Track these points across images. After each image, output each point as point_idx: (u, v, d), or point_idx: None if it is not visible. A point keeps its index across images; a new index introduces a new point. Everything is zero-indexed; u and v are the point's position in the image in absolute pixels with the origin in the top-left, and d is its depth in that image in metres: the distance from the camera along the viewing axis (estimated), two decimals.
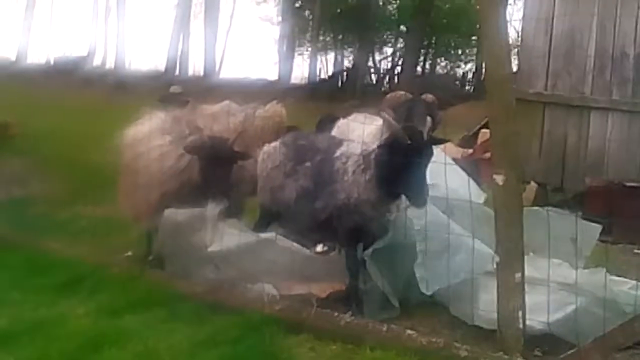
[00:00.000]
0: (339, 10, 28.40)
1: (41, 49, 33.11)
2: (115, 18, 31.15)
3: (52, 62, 30.44)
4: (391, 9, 30.67)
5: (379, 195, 4.40)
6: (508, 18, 19.38)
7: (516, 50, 10.67)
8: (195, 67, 30.15)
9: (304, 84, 26.58)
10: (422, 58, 28.79)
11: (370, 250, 4.50)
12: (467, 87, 26.83)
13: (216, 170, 4.95)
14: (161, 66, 28.10)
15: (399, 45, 30.04)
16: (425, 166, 4.19)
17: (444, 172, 4.31)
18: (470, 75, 28.25)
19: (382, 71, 29.03)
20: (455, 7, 28.36)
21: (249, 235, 4.86)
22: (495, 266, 3.95)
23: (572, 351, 3.80)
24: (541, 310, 3.93)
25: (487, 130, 7.19)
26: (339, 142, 4.79)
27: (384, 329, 4.11)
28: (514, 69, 8.43)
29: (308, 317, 4.30)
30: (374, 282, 4.50)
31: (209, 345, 3.99)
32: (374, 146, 4.46)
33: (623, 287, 4.17)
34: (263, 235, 4.84)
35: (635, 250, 6.46)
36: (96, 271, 5.16)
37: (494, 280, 3.98)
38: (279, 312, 4.35)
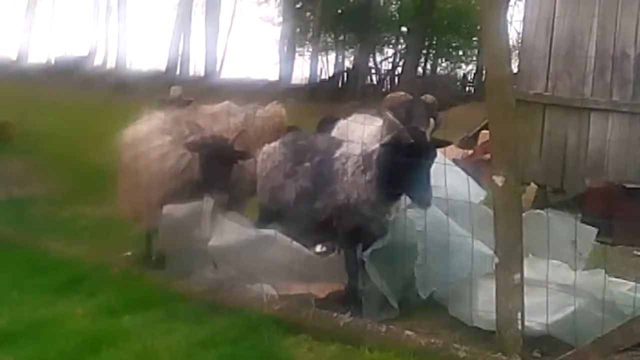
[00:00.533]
0: (339, 11, 28.43)
1: (42, 49, 33.20)
2: (116, 18, 31.29)
3: (53, 62, 30.49)
4: (392, 9, 30.69)
5: (379, 195, 4.40)
6: (509, 19, 19.36)
7: (517, 51, 10.67)
8: (196, 67, 30.20)
9: (305, 85, 26.62)
10: (422, 59, 28.79)
11: (369, 251, 4.50)
12: (467, 88, 26.82)
13: (216, 168, 4.95)
14: (162, 66, 28.14)
15: (399, 46, 30.07)
16: (429, 167, 4.20)
17: (444, 173, 4.32)
18: (470, 77, 28.25)
19: (382, 72, 29.06)
20: (456, 8, 28.39)
21: (249, 230, 4.86)
22: (494, 267, 3.95)
23: (570, 352, 3.80)
24: (540, 311, 3.93)
25: (488, 132, 7.19)
26: (339, 143, 4.79)
27: (383, 329, 4.11)
28: (514, 70, 8.43)
29: (307, 317, 4.30)
30: (373, 282, 4.50)
31: (208, 345, 4.00)
32: (375, 146, 4.47)
33: (622, 288, 4.17)
34: (263, 231, 4.85)
35: (635, 252, 6.45)
36: (96, 271, 5.17)
37: (493, 281, 3.98)
38: (278, 312, 4.35)
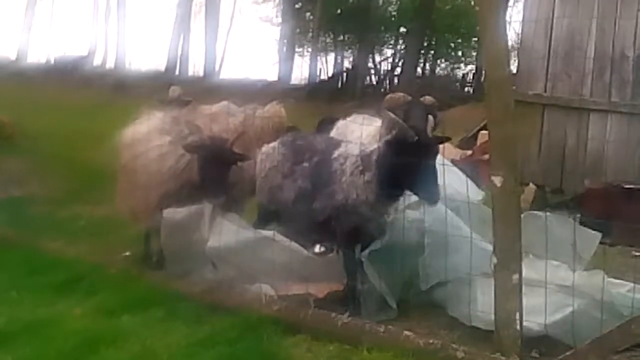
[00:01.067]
0: (339, 11, 28.42)
1: (41, 49, 33.14)
2: (115, 18, 31.22)
3: (52, 62, 30.43)
4: (391, 10, 30.68)
5: (378, 196, 4.40)
6: (508, 20, 19.37)
7: (516, 51, 10.67)
8: (196, 67, 30.17)
9: (304, 85, 26.59)
10: (422, 59, 28.79)
11: (367, 251, 4.50)
12: (466, 89, 26.82)
13: (215, 170, 4.95)
14: (161, 66, 28.11)
15: (399, 47, 30.06)
16: (435, 163, 4.21)
17: (443, 173, 4.32)
18: (470, 77, 28.24)
19: (382, 72, 29.03)
20: (455, 8, 28.39)
21: (247, 231, 4.86)
22: (492, 268, 3.95)
23: (569, 353, 3.80)
24: (539, 312, 3.93)
25: (487, 132, 7.20)
26: (337, 143, 4.79)
27: (382, 330, 4.11)
28: (513, 70, 8.43)
29: (305, 317, 4.31)
30: (372, 283, 4.50)
31: (207, 345, 4.00)
32: (375, 146, 4.47)
33: (621, 289, 4.17)
34: (262, 232, 4.85)
35: (634, 253, 6.45)
36: (94, 271, 5.17)
37: (492, 281, 3.98)
38: (277, 313, 4.36)
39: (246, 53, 38.47)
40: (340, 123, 5.83)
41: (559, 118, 8.40)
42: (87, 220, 7.06)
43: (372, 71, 28.72)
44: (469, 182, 5.07)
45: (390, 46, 30.61)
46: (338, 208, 4.52)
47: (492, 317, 3.95)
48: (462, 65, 30.46)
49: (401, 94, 5.05)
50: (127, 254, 5.72)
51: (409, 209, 4.67)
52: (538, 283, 4.05)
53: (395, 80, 26.67)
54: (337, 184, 4.53)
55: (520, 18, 9.96)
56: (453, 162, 5.85)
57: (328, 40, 30.63)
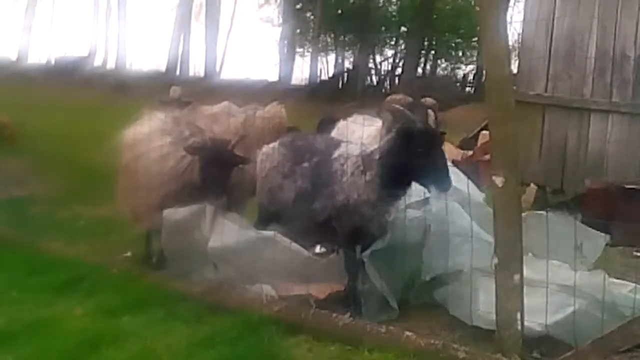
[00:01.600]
0: (339, 12, 28.42)
1: (42, 49, 33.16)
2: (116, 18, 31.25)
3: (52, 62, 30.42)
4: (392, 10, 30.68)
5: (380, 195, 4.41)
6: (508, 20, 19.37)
7: (516, 51, 10.67)
8: (196, 67, 30.17)
9: (305, 85, 26.60)
10: (422, 59, 28.79)
11: (368, 251, 4.50)
12: (467, 89, 26.82)
13: (216, 172, 4.95)
14: (162, 67, 28.12)
15: (399, 47, 30.06)
16: (443, 151, 4.24)
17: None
18: (470, 77, 28.24)
19: (382, 72, 29.04)
20: (456, 8, 28.39)
21: (248, 231, 4.86)
22: (494, 267, 3.95)
23: (570, 353, 3.79)
24: (540, 312, 3.93)
25: (487, 132, 7.19)
26: (337, 144, 4.79)
27: (383, 330, 4.11)
28: (514, 70, 8.43)
29: (306, 318, 4.30)
30: (373, 283, 4.50)
31: (208, 346, 4.00)
32: (375, 146, 4.47)
33: (622, 289, 4.17)
34: (263, 233, 4.85)
35: (635, 253, 6.45)
36: (95, 271, 5.17)
37: (493, 280, 3.98)
38: (278, 313, 4.35)
39: (247, 53, 38.52)
40: (341, 123, 5.83)
41: (560, 118, 8.40)
42: (88, 220, 7.06)
43: (373, 71, 28.74)
44: (470, 183, 5.07)
45: (391, 46, 30.62)
46: (339, 208, 4.52)
47: (494, 317, 3.95)
48: (462, 65, 30.49)
49: (402, 95, 5.06)
50: (128, 254, 5.73)
51: (410, 208, 4.67)
52: (539, 283, 4.04)
53: (396, 81, 26.67)
54: (337, 184, 4.53)
55: (521, 18, 9.96)
56: (454, 162, 5.84)
57: (328, 40, 30.64)
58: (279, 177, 4.90)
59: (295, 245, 4.72)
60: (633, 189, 7.10)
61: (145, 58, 35.91)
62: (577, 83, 8.31)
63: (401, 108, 4.33)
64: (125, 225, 6.00)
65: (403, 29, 29.44)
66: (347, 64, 29.75)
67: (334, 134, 5.63)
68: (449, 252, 4.46)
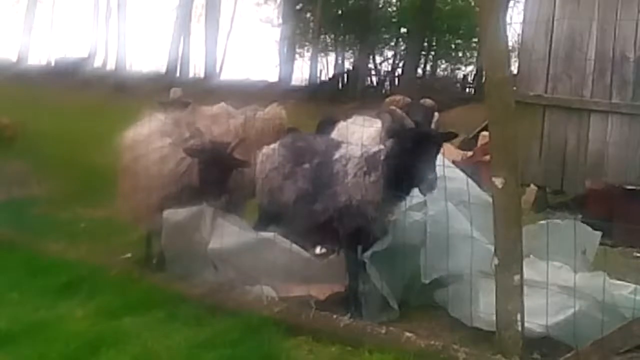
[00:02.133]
0: (339, 12, 28.44)
1: (42, 50, 33.24)
2: (116, 20, 31.27)
3: (52, 64, 30.46)
4: (392, 11, 30.70)
5: (384, 196, 4.41)
6: (508, 20, 19.38)
7: (516, 52, 10.68)
8: (196, 69, 30.20)
9: (305, 86, 26.61)
10: (422, 60, 28.80)
11: (369, 252, 4.50)
12: (467, 90, 26.83)
13: (215, 174, 4.95)
14: (162, 68, 28.14)
15: (399, 48, 30.08)
16: (436, 151, 4.24)
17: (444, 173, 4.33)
18: (470, 78, 28.25)
19: (382, 73, 29.06)
20: (455, 9, 28.41)
21: (248, 233, 4.86)
22: (494, 268, 3.95)
23: (570, 354, 3.80)
24: (541, 313, 3.93)
25: (488, 133, 7.20)
26: (338, 144, 4.79)
27: (383, 331, 4.11)
28: (514, 71, 8.44)
29: (307, 319, 4.30)
30: (373, 284, 4.50)
31: (208, 347, 3.99)
32: (379, 147, 4.48)
33: (623, 291, 4.17)
34: (263, 234, 4.85)
35: (635, 254, 6.45)
36: (95, 273, 5.16)
37: (493, 281, 3.98)
38: (278, 314, 4.35)
39: (247, 54, 38.55)
40: (341, 124, 5.83)
41: (560, 119, 8.41)
42: (88, 222, 7.05)
43: (373, 72, 28.75)
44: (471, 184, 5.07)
45: (391, 47, 30.65)
46: (341, 209, 4.52)
47: (494, 318, 3.95)
48: (462, 66, 30.51)
49: (401, 97, 5.07)
50: (128, 255, 5.72)
51: (411, 210, 4.67)
52: (540, 284, 4.05)
53: (396, 81, 26.68)
54: (339, 186, 4.53)
55: (521, 19, 9.97)
56: (454, 163, 5.84)
57: (328, 41, 30.66)
58: (280, 178, 4.90)
59: (295, 247, 4.72)
60: (633, 189, 7.11)
61: (145, 59, 36.07)
62: (577, 84, 8.32)
63: (399, 111, 4.32)
64: (125, 227, 6.01)
65: (403, 29, 29.47)
66: (347, 65, 29.79)
67: (333, 135, 5.63)
68: (449, 254, 4.45)
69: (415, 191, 4.40)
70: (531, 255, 4.45)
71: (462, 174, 5.02)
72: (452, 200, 4.59)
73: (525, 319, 3.87)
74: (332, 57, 31.29)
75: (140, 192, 5.29)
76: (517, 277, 3.86)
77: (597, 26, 8.17)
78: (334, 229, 4.62)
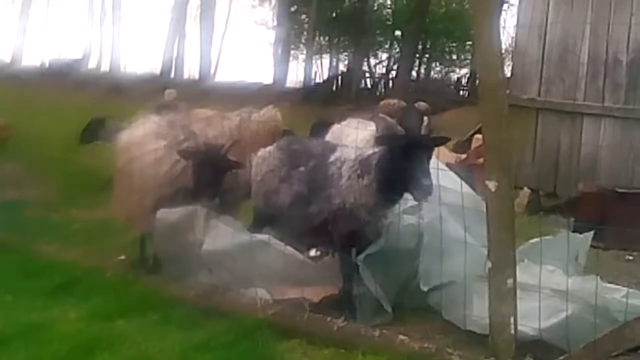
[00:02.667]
0: (334, 15, 28.46)
1: (36, 52, 33.08)
2: (110, 21, 31.17)
3: (47, 65, 30.36)
4: (386, 13, 30.74)
5: (378, 199, 4.42)
6: (502, 24, 19.48)
7: (510, 55, 10.71)
8: (191, 70, 30.14)
9: (299, 88, 26.57)
10: (417, 63, 28.84)
11: (363, 255, 4.51)
12: (461, 92, 26.88)
13: (209, 177, 4.95)
14: (156, 69, 28.07)
15: (393, 50, 30.11)
16: (428, 157, 4.23)
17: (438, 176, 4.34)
18: (464, 81, 28.31)
19: (377, 76, 29.09)
20: (450, 12, 28.47)
21: (243, 235, 4.87)
22: (487, 272, 3.96)
23: (562, 357, 3.81)
24: (534, 316, 3.95)
25: (481, 136, 7.21)
26: (333, 147, 4.80)
27: (377, 334, 4.12)
28: (508, 74, 8.47)
29: (301, 321, 4.31)
30: (367, 287, 4.51)
31: (202, 350, 4.00)
32: (373, 150, 4.49)
33: (615, 294, 4.18)
34: (257, 236, 4.85)
35: (627, 257, 6.48)
36: (89, 275, 5.16)
37: (486, 285, 3.99)
38: (272, 317, 4.36)
39: (241, 56, 38.49)
40: (335, 127, 5.84)
41: (553, 122, 8.45)
42: (82, 224, 7.03)
43: (367, 74, 28.77)
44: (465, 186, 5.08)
45: (385, 49, 30.68)
46: (335, 212, 4.53)
47: (487, 321, 3.96)
48: (456, 68, 30.57)
49: (396, 100, 5.09)
50: (122, 258, 5.72)
51: (405, 213, 4.68)
52: (533, 288, 4.06)
53: (390, 84, 26.71)
54: (334, 188, 4.54)
55: (515, 22, 10.01)
56: (447, 165, 5.86)
57: (323, 43, 30.67)
58: (275, 180, 4.90)
59: (289, 249, 4.73)
60: (625, 192, 7.14)
61: (139, 61, 35.91)
62: (570, 87, 8.37)
63: (389, 119, 4.34)
64: (119, 229, 6.00)
65: (397, 32, 29.50)
66: (342, 67, 29.80)
67: (328, 137, 5.64)
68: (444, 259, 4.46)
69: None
70: (525, 260, 4.46)
71: (457, 179, 5.05)
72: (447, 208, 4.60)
73: (519, 322, 3.89)
74: (326, 59, 31.32)
75: (135, 194, 5.28)
76: (510, 281, 3.87)
77: (590, 30, 8.21)
78: (329, 231, 4.63)
